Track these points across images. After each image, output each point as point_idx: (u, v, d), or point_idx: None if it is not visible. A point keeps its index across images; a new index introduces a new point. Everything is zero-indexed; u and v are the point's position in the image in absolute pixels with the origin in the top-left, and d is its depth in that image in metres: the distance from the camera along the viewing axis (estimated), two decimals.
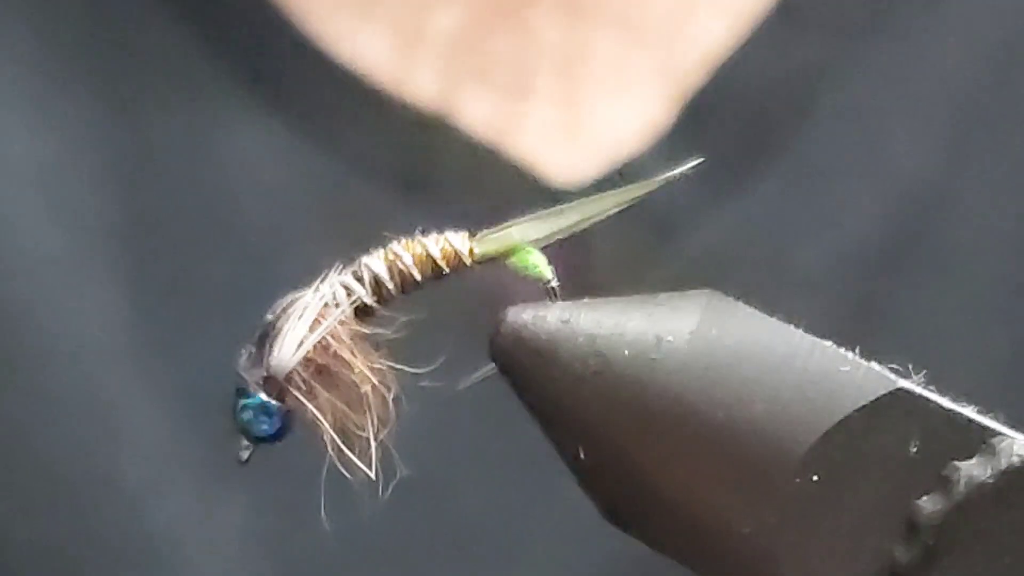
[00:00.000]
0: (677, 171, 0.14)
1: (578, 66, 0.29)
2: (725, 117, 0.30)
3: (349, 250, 0.14)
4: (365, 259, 0.13)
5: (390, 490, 0.29)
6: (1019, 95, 0.35)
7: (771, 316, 0.13)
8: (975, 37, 0.36)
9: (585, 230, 0.14)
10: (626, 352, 0.12)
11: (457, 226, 0.14)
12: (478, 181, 0.29)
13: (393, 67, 0.29)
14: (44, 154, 0.36)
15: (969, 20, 0.36)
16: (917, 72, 0.35)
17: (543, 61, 0.28)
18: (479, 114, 0.28)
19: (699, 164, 0.14)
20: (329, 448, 0.12)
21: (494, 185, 0.27)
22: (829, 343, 0.13)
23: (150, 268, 0.34)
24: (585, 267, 0.17)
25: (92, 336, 0.32)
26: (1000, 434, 0.12)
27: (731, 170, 0.28)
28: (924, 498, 0.12)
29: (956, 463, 0.12)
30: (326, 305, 0.13)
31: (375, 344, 0.13)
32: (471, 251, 0.13)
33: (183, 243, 0.33)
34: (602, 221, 0.13)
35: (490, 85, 0.29)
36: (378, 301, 0.13)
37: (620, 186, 0.14)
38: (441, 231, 0.13)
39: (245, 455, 0.12)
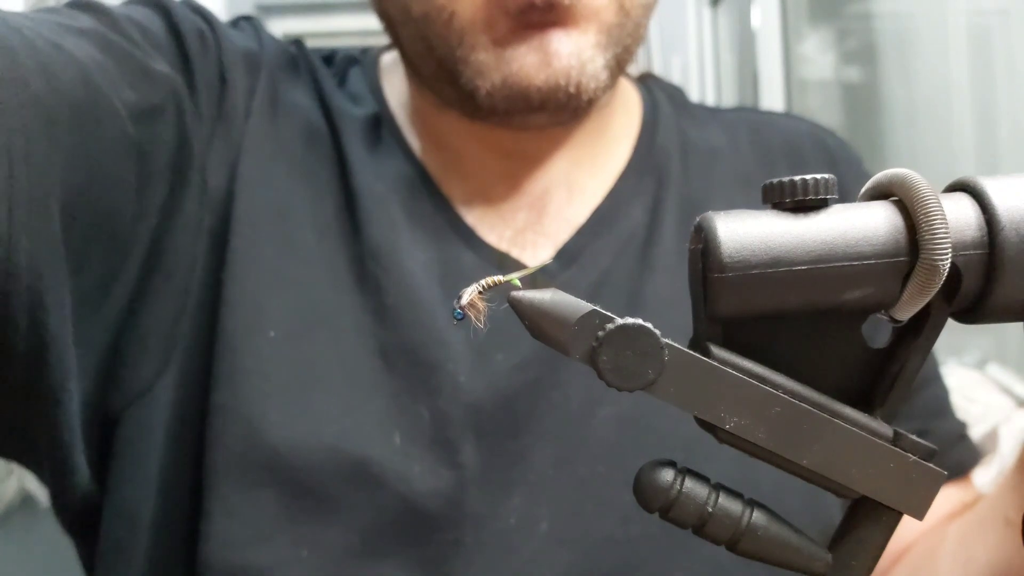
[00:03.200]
0: (533, 268, 0.44)
1: (535, 233, 0.62)
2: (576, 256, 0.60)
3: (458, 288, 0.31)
4: (481, 280, 0.30)
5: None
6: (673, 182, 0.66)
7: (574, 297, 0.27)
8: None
9: (534, 274, 0.44)
10: (537, 301, 0.27)
11: (501, 274, 0.31)
12: (507, 265, 0.58)
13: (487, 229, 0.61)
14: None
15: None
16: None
17: (528, 230, 0.62)
18: (509, 246, 0.60)
19: (547, 264, 0.47)
20: (472, 320, 0.30)
21: (512, 267, 0.57)
22: (590, 305, 0.27)
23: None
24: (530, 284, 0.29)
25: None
26: (616, 318, 0.26)
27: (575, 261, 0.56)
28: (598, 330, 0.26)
29: (609, 324, 0.26)
30: (474, 290, 0.30)
31: (482, 300, 0.30)
32: (502, 280, 0.30)
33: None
34: (531, 275, 0.39)
35: (516, 243, 0.60)
36: (483, 290, 0.30)
37: (533, 270, 0.40)
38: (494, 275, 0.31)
39: (455, 322, 0.30)
